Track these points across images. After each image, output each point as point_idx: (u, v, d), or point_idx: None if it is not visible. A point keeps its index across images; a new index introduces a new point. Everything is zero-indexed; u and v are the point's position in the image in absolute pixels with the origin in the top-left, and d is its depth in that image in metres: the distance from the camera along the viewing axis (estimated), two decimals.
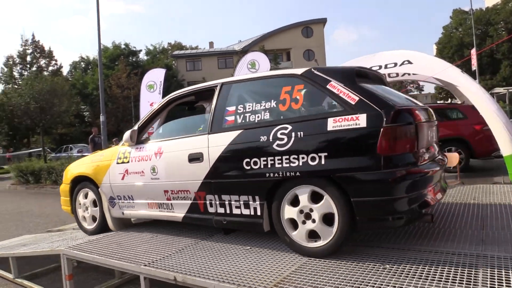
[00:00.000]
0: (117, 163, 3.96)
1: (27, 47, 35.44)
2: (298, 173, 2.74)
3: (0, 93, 34.34)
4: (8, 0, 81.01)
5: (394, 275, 2.32)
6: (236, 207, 3.10)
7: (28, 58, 35.53)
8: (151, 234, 3.83)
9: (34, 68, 34.91)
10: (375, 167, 2.50)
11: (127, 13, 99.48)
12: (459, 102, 9.06)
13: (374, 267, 2.46)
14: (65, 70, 41.10)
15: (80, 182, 4.39)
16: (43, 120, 18.21)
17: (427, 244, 2.81)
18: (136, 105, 34.56)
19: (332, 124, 2.66)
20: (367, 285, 2.21)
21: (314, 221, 2.72)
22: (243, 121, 3.11)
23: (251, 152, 2.96)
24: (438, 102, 34.50)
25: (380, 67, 6.57)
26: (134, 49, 45.15)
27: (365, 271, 2.41)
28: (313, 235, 2.76)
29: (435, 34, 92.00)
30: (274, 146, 2.84)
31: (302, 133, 2.76)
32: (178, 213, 3.52)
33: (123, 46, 44.27)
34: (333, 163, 2.62)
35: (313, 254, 2.75)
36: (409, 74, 6.78)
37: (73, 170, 4.55)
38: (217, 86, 3.45)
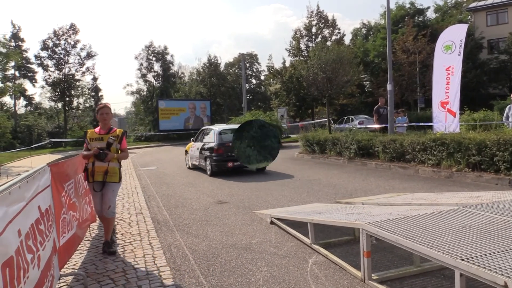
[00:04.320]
0: (191, 146, 15.08)
1: (312, 19, 39.75)
2: (207, 155, 13.23)
3: (288, 65, 40.27)
4: None
5: None
6: (203, 163, 13.59)
7: (313, 30, 39.82)
8: (461, 223, 3.52)
9: (318, 39, 38.83)
10: (214, 154, 12.80)
11: None
12: None
13: None
14: (346, 39, 43.84)
15: (187, 151, 15.73)
16: (329, 90, 19.99)
17: None
18: (422, 71, 33.40)
19: (213, 144, 13.07)
20: None
21: (208, 166, 13.22)
22: (208, 138, 13.88)
23: (203, 148, 13.59)
24: None
25: None
26: (421, 7, 43.36)
27: None
28: (210, 170, 13.02)
29: None
30: (205, 147, 13.48)
31: (207, 145, 13.47)
32: (198, 164, 14.18)
33: (407, 6, 43.27)
34: (209, 153, 13.10)
35: (209, 176, 12.94)
36: None
37: (186, 147, 16.18)
38: (213, 129, 13.94)
